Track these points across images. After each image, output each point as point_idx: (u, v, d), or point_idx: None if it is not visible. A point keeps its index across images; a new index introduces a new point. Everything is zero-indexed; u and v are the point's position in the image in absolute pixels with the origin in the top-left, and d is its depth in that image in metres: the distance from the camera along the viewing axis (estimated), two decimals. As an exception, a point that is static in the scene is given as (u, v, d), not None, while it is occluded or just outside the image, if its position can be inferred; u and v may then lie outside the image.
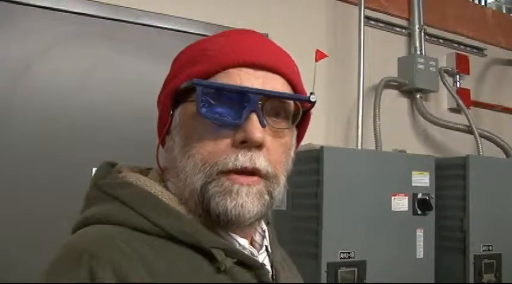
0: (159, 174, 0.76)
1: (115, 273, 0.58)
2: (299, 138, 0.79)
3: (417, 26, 2.81)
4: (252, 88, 0.67)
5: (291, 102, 0.72)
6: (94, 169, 2.01)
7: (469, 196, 2.28)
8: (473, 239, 2.27)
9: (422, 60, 2.75)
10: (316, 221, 1.99)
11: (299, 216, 2.12)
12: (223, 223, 0.67)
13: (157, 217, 0.66)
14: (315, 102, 0.72)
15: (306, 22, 2.50)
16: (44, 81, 1.88)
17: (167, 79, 0.76)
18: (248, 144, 0.66)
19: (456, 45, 3.09)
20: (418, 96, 2.79)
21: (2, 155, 1.79)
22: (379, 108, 2.53)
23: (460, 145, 2.87)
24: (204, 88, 0.66)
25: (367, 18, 2.62)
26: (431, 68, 2.78)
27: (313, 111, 0.76)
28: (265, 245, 0.78)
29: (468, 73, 3.05)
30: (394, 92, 2.80)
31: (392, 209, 2.14)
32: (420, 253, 2.22)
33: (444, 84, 2.81)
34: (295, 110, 0.72)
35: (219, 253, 0.65)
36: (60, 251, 0.64)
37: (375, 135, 2.48)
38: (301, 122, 0.74)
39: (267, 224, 0.82)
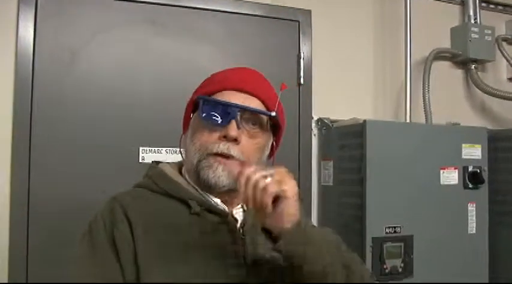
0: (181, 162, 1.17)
1: (122, 207, 1.02)
2: (277, 143, 1.14)
3: (471, -7, 2.68)
4: (231, 103, 1.03)
5: (263, 116, 1.06)
6: (141, 149, 2.07)
7: (524, 168, 2.19)
8: (530, 214, 2.18)
9: (476, 29, 2.62)
10: (360, 196, 1.98)
11: (344, 191, 2.12)
12: (206, 187, 1.05)
13: (162, 183, 1.10)
14: (275, 117, 1.05)
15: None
16: (91, 67, 1.96)
17: (193, 93, 1.13)
18: (227, 138, 1.01)
19: (517, 11, 2.92)
20: (472, 66, 2.66)
21: (56, 141, 1.90)
22: (428, 81, 2.45)
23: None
24: (204, 101, 1.05)
25: (416, -13, 2.53)
26: (486, 37, 2.64)
27: (285, 125, 1.13)
28: (242, 205, 1.10)
29: (530, 41, 2.88)
30: (447, 64, 2.69)
31: (441, 183, 2.09)
32: (472, 228, 2.15)
33: (502, 52, 2.67)
34: (267, 121, 1.08)
35: (193, 203, 1.04)
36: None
37: (424, 107, 2.41)
38: (275, 133, 1.11)
39: None
